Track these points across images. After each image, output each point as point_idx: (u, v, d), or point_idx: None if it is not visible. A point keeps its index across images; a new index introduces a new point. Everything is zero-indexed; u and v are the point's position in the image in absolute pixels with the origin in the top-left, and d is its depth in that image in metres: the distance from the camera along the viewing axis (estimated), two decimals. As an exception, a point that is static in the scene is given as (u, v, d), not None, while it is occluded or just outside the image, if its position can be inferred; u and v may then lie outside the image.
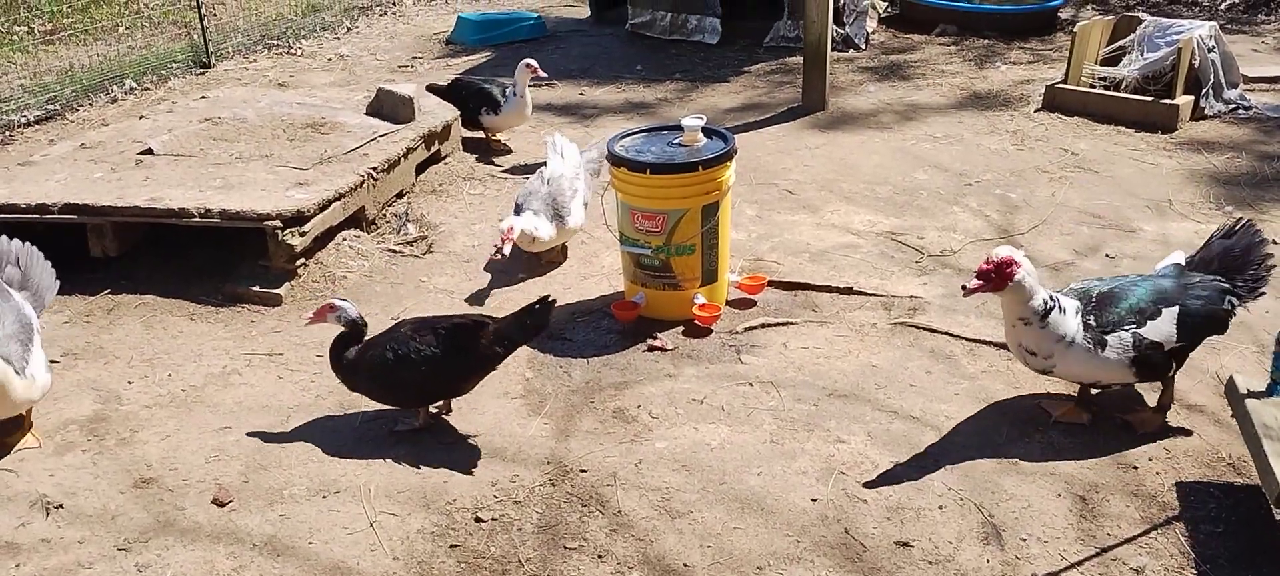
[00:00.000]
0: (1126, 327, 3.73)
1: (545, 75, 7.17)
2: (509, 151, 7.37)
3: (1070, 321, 3.73)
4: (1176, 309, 3.78)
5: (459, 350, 3.94)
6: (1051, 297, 3.73)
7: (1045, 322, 3.70)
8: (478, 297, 5.28)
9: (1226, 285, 3.90)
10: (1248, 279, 3.96)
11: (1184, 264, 4.08)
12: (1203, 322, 3.86)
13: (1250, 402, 3.55)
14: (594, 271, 5.56)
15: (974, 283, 3.68)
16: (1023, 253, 3.68)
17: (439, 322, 4.03)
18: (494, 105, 7.17)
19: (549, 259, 5.65)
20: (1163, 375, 3.90)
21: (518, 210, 5.38)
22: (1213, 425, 4.00)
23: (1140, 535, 3.44)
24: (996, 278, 3.64)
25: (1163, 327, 3.76)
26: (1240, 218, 4.15)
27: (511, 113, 7.19)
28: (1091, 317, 3.74)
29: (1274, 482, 3.16)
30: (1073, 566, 3.32)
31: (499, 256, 5.17)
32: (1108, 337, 3.72)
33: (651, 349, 4.72)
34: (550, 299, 3.98)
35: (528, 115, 7.30)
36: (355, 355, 4.04)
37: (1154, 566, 3.31)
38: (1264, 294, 4.01)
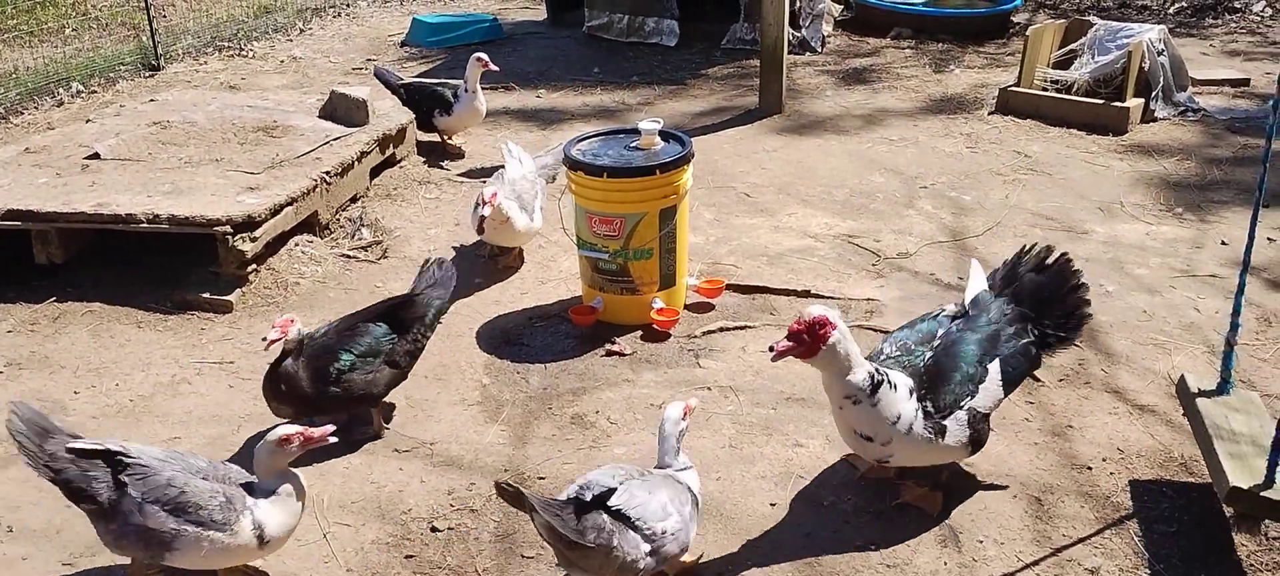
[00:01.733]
0: (962, 405, 3.32)
1: (495, 68, 7.11)
2: (463, 155, 7.31)
3: (903, 402, 3.25)
4: (997, 363, 3.42)
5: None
6: (877, 371, 3.25)
7: (875, 399, 3.21)
8: (434, 303, 5.22)
9: (1034, 337, 3.54)
10: (1058, 323, 3.58)
11: (987, 286, 3.69)
12: (1017, 378, 3.52)
13: (1201, 401, 3.60)
14: (551, 276, 5.52)
15: (782, 344, 3.16)
16: (840, 314, 3.22)
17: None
18: (446, 106, 7.11)
19: (507, 263, 5.61)
20: (984, 443, 3.50)
21: None
22: (1164, 425, 4.05)
23: (1094, 535, 3.47)
24: (810, 339, 3.13)
25: (990, 391, 3.39)
26: (1051, 248, 3.72)
27: (464, 112, 7.13)
28: (928, 403, 3.28)
29: (1224, 481, 3.20)
30: (1028, 567, 3.34)
31: (484, 214, 5.10)
32: (947, 423, 3.30)
33: (609, 353, 4.69)
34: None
35: (482, 113, 7.24)
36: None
37: (1108, 566, 3.33)
38: (1075, 344, 3.73)
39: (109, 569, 3.40)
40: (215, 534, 3.05)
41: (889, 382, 3.25)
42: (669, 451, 3.25)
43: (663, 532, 3.02)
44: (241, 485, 3.18)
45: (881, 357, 3.44)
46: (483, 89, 7.16)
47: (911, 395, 3.27)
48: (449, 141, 7.39)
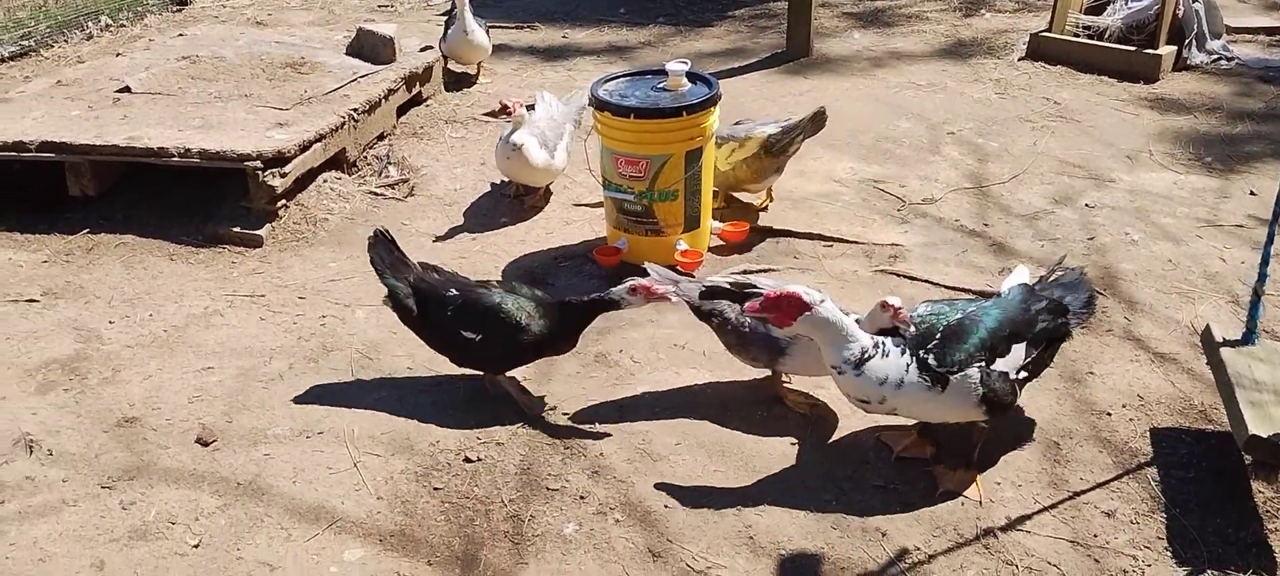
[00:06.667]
0: (974, 365, 3.32)
1: None
2: (476, 84, 7.33)
3: (892, 364, 3.30)
4: (1025, 344, 3.44)
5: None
6: (873, 345, 3.30)
7: (860, 371, 3.29)
8: (460, 240, 5.27)
9: (1067, 304, 3.61)
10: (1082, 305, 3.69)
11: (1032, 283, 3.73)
12: (1048, 353, 3.57)
13: (1225, 350, 3.61)
14: (577, 216, 5.55)
15: (752, 304, 3.32)
16: (823, 295, 3.28)
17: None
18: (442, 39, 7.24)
19: (532, 203, 5.64)
20: (1009, 410, 3.53)
21: None
22: (1185, 374, 4.07)
23: (1112, 480, 3.51)
24: (780, 309, 3.25)
25: (1015, 361, 3.41)
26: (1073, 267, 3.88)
27: (455, 43, 7.14)
28: (931, 356, 3.31)
29: (1244, 429, 3.22)
30: (1045, 510, 3.39)
31: (506, 112, 5.28)
32: (952, 378, 3.30)
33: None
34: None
35: (479, 46, 7.21)
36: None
37: (1124, 510, 3.38)
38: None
39: (145, 492, 3.50)
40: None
41: (882, 351, 3.30)
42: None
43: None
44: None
45: (915, 315, 3.47)
46: (495, 26, 7.14)
47: (903, 353, 3.31)
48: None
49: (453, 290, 3.86)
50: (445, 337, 3.88)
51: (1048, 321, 3.50)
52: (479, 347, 3.82)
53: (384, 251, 3.94)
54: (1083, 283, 3.77)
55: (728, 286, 3.91)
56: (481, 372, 4.01)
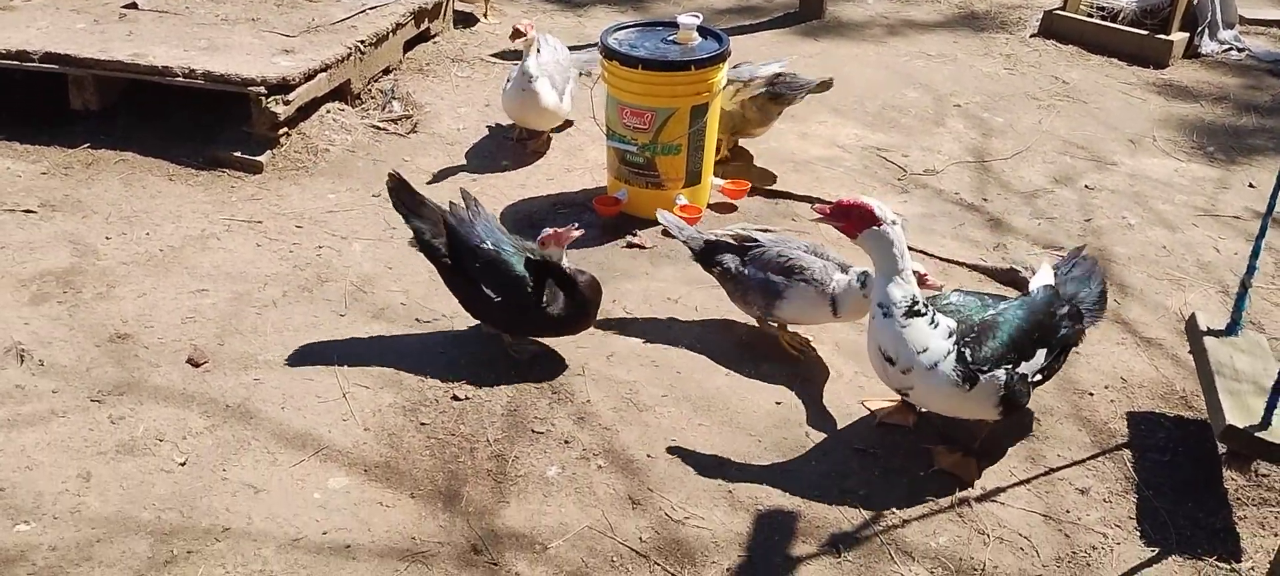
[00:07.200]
0: (1003, 366, 3.25)
1: None
2: (484, 22, 7.29)
3: (937, 338, 3.21)
4: (1045, 349, 3.38)
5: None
6: (926, 304, 3.26)
7: (906, 322, 3.20)
8: (459, 180, 5.28)
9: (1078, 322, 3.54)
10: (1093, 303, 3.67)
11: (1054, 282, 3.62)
12: (1061, 358, 3.51)
13: (1208, 339, 3.64)
14: (578, 164, 5.56)
15: (822, 205, 3.31)
16: (893, 215, 3.21)
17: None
18: None
19: (534, 147, 5.64)
20: (1021, 411, 3.50)
21: None
22: (1169, 360, 4.11)
23: (1088, 459, 3.56)
24: (850, 218, 3.19)
25: (1036, 365, 3.36)
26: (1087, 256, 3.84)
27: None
28: (968, 350, 3.22)
29: (1221, 418, 3.26)
30: (1020, 483, 3.44)
31: (519, 35, 5.33)
32: (981, 377, 3.22)
33: (630, 245, 4.76)
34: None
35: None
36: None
37: (1099, 489, 3.43)
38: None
39: (134, 408, 3.54)
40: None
41: (930, 316, 3.22)
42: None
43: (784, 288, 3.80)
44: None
45: (944, 301, 3.42)
46: None
47: (950, 337, 3.22)
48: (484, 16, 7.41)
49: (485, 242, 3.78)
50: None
51: (1069, 327, 3.46)
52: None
53: (405, 195, 3.83)
54: (1096, 274, 3.75)
55: (730, 238, 4.00)
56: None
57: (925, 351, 3.20)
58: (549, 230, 3.78)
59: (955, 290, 3.58)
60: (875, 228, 3.19)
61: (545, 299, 3.73)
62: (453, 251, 3.79)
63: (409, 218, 3.83)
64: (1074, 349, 3.62)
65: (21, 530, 3.05)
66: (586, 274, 3.84)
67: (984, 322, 3.31)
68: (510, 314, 3.79)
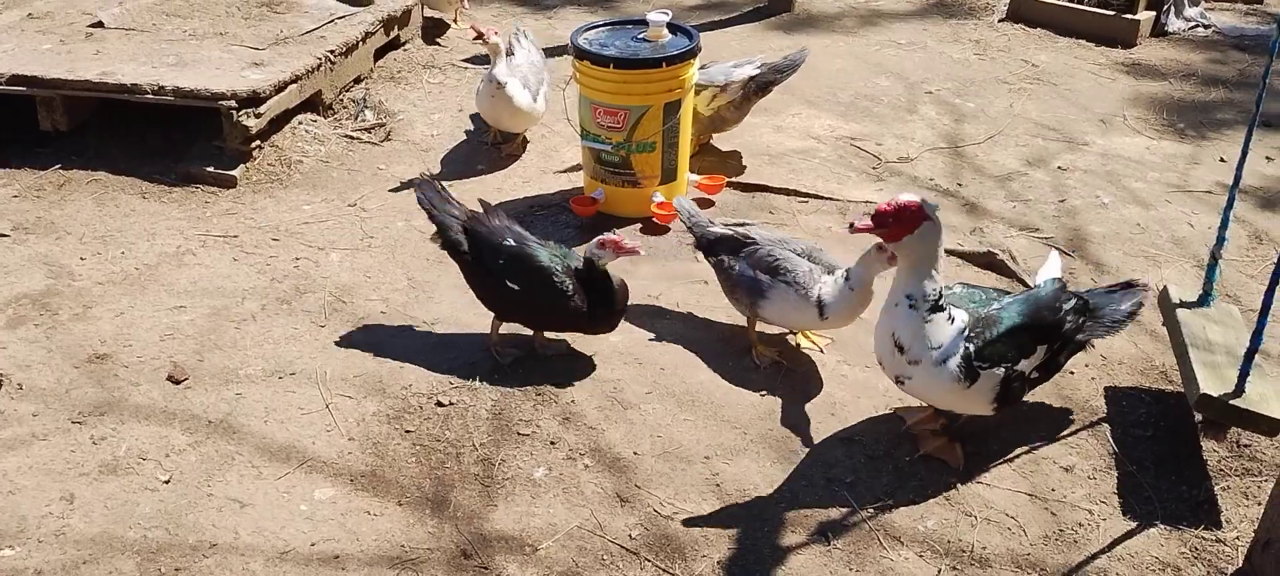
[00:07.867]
0: (1003, 364, 3.22)
1: None
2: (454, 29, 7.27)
3: (952, 336, 3.19)
4: (1046, 345, 3.32)
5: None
6: (946, 300, 3.23)
7: (930, 317, 3.17)
8: (436, 187, 5.27)
9: (1085, 317, 3.44)
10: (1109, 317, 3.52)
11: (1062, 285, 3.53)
12: (1068, 350, 3.45)
13: (1181, 312, 3.69)
14: (553, 165, 5.55)
15: (863, 221, 3.11)
16: (934, 207, 3.10)
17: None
18: None
19: (509, 150, 5.64)
20: (1016, 405, 3.44)
21: None
22: (1148, 336, 4.14)
23: (1070, 435, 3.59)
24: (900, 222, 3.06)
25: (1034, 362, 3.32)
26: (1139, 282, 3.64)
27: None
28: (972, 346, 3.19)
29: (1196, 388, 3.30)
30: (1004, 462, 3.46)
31: (480, 39, 5.37)
32: (981, 372, 3.19)
33: (608, 244, 4.75)
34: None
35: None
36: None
37: (1082, 465, 3.45)
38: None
39: (116, 427, 3.51)
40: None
41: (950, 314, 3.20)
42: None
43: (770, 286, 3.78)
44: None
45: (950, 293, 3.38)
46: None
47: (961, 335, 3.19)
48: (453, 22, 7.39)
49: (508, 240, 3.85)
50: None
51: (1073, 324, 3.38)
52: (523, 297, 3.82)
53: (432, 193, 3.96)
54: (1138, 299, 3.51)
55: (728, 233, 4.03)
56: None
57: (939, 348, 3.18)
58: (610, 235, 3.79)
59: (960, 283, 3.54)
60: (926, 225, 3.07)
61: (572, 292, 3.76)
62: (474, 248, 3.85)
63: (433, 216, 3.92)
64: (1081, 348, 3.50)
65: (6, 554, 3.02)
66: (617, 276, 3.88)
67: (987, 318, 3.27)
68: (536, 308, 3.84)
